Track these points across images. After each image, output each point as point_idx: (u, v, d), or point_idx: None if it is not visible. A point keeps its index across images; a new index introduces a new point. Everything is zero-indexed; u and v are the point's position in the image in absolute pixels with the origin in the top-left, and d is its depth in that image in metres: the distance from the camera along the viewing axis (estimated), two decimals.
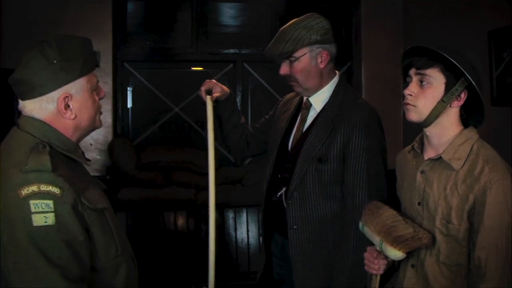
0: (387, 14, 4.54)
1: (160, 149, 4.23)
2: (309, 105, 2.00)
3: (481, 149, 1.53)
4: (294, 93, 2.18)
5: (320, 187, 1.89)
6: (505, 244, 1.44)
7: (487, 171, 1.46)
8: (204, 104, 1.99)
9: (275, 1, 4.54)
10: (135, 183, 3.94)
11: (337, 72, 2.02)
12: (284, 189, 1.96)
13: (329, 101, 1.96)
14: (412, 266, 1.61)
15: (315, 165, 1.88)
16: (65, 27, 3.94)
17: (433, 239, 1.53)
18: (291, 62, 1.91)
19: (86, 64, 1.39)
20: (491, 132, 3.25)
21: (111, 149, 4.08)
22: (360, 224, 1.69)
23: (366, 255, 1.65)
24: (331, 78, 1.99)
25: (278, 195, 1.98)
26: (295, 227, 1.92)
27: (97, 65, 1.45)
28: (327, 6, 4.51)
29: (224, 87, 2.09)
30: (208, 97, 1.99)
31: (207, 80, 2.08)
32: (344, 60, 4.70)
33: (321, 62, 1.92)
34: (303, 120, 2.01)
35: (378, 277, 1.63)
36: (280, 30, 1.93)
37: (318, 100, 1.98)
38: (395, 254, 1.53)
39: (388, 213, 1.60)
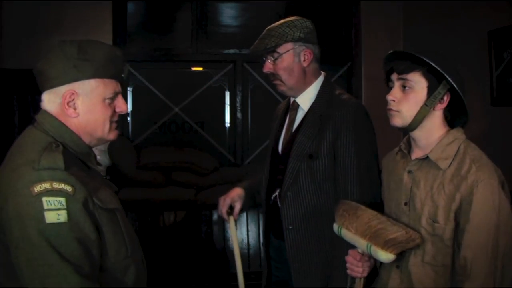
0: (387, 14, 4.54)
1: (160, 150, 4.23)
2: (296, 106, 2.00)
3: (468, 149, 1.52)
4: (283, 102, 2.18)
5: (313, 185, 1.89)
6: (492, 243, 1.43)
7: (474, 170, 1.46)
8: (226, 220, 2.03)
9: (275, 1, 4.54)
10: (135, 183, 3.94)
11: (322, 72, 2.02)
12: (277, 190, 1.96)
13: (315, 100, 1.96)
14: (397, 267, 1.60)
15: (306, 163, 1.89)
16: (65, 27, 3.94)
17: (422, 238, 1.52)
18: (275, 60, 1.92)
19: (104, 69, 1.39)
20: (491, 132, 3.27)
21: (111, 150, 4.07)
22: (335, 226, 1.64)
23: (349, 259, 1.62)
24: (316, 77, 1.99)
25: (272, 198, 1.99)
26: (290, 227, 1.92)
27: (121, 77, 1.45)
28: (327, 6, 4.51)
29: (239, 191, 2.06)
30: (231, 217, 2.02)
31: (221, 199, 2.05)
32: (344, 60, 4.69)
33: (304, 60, 1.93)
34: (292, 121, 2.01)
35: (363, 280, 1.60)
36: (265, 29, 1.94)
37: (305, 99, 1.98)
38: (387, 256, 1.50)
39: (368, 214, 1.56)
